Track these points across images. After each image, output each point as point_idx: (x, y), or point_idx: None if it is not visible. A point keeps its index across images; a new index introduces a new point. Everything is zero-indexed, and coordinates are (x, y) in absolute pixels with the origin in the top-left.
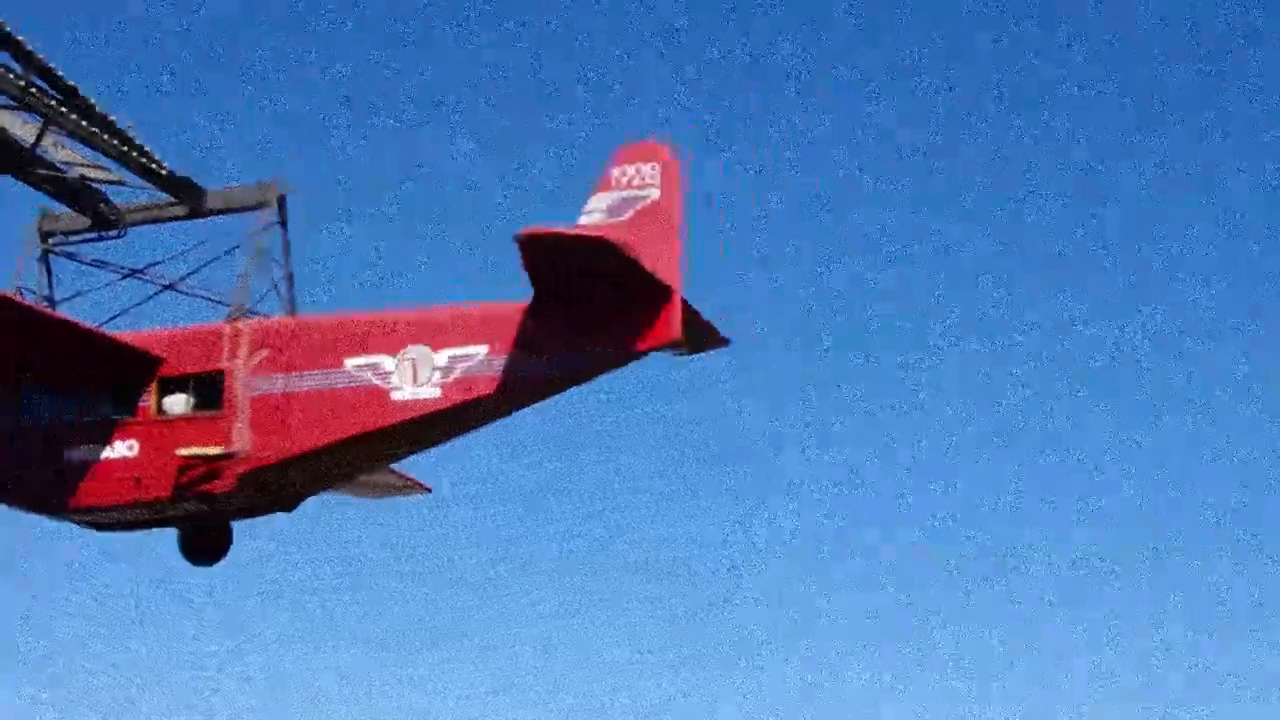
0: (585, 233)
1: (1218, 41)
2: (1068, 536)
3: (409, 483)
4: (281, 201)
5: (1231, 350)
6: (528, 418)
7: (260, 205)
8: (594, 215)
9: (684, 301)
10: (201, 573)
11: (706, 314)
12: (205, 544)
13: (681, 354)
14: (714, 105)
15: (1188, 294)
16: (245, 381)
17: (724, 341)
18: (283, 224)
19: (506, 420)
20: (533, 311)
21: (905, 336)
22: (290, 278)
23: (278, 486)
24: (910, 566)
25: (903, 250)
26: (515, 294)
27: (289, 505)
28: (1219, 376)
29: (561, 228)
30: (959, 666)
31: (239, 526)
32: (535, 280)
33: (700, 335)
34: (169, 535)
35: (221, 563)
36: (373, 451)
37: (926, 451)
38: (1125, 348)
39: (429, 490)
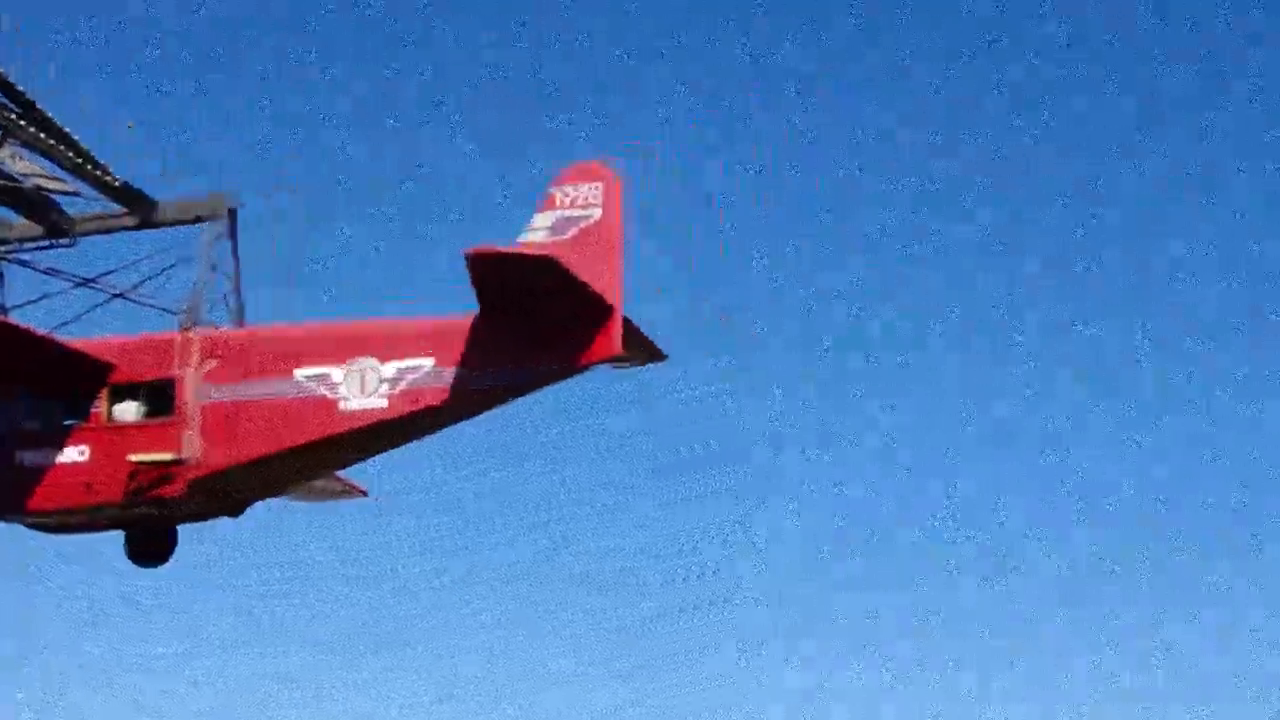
0: (530, 251)
1: (1218, 41)
2: (1068, 536)
3: (347, 487)
4: (232, 214)
5: (1231, 350)
6: (472, 427)
7: (210, 217)
8: (537, 234)
9: (625, 318)
10: (148, 575)
11: (706, 314)
12: (151, 547)
13: (622, 368)
14: (714, 105)
15: (1188, 294)
16: (196, 389)
17: (662, 356)
18: (232, 236)
19: (451, 429)
20: (479, 325)
21: (905, 336)
22: (239, 288)
23: (226, 492)
24: (910, 566)
25: (903, 250)
26: None
27: (236, 510)
28: (1219, 376)
29: (507, 247)
30: (959, 666)
31: (184, 530)
32: (482, 296)
33: (640, 350)
34: (115, 538)
35: (166, 565)
36: (321, 459)
37: (926, 451)
38: (1125, 348)
39: (365, 494)
